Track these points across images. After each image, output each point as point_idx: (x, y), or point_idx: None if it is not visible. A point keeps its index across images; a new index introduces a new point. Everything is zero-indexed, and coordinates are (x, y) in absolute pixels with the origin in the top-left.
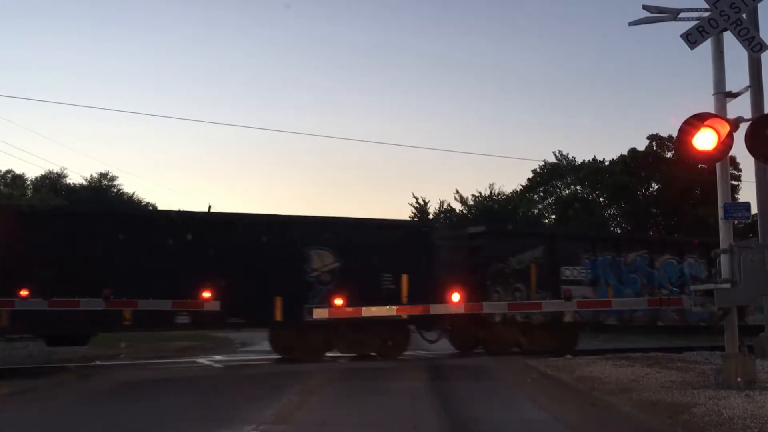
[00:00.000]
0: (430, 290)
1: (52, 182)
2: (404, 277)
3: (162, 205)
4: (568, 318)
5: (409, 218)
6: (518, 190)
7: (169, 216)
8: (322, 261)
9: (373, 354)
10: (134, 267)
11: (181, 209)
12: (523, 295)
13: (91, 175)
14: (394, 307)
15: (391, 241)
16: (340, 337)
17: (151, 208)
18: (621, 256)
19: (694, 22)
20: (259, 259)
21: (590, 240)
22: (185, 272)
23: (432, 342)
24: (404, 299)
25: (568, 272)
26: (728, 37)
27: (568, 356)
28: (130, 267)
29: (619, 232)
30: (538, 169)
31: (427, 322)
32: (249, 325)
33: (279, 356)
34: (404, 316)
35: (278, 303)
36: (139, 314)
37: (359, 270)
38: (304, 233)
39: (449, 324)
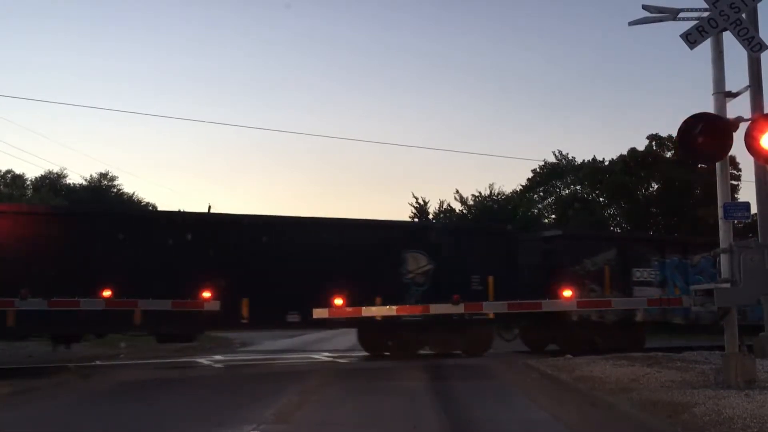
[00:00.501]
0: (512, 291)
1: (51, 182)
2: (490, 279)
3: (162, 206)
4: (638, 317)
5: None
6: (518, 190)
7: (289, 221)
8: (417, 263)
9: (457, 352)
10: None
11: (308, 215)
12: (599, 296)
13: (90, 175)
14: (394, 307)
15: (479, 245)
16: (431, 335)
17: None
18: (687, 258)
19: (694, 22)
20: (362, 262)
21: (659, 243)
22: (309, 275)
23: (509, 341)
24: (491, 299)
25: (638, 274)
26: (728, 37)
27: (568, 356)
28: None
29: (686, 236)
30: (537, 169)
31: (506, 321)
32: (347, 325)
33: (368, 354)
34: (490, 315)
35: (377, 303)
36: (255, 312)
37: (450, 272)
38: (402, 237)
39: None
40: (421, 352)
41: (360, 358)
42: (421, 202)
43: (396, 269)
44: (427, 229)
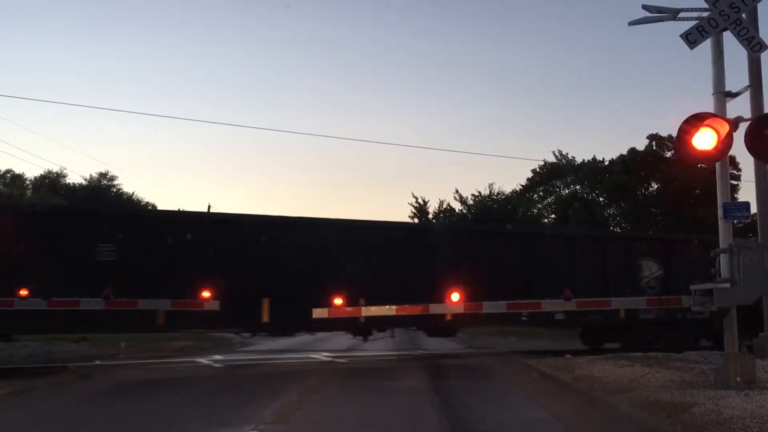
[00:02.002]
0: None
1: (51, 182)
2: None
3: (161, 205)
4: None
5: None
6: (518, 189)
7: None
8: (650, 270)
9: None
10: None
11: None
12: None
13: (90, 175)
14: (394, 307)
15: (690, 253)
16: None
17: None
18: None
19: (694, 22)
20: (601, 268)
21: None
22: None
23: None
24: None
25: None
26: (728, 37)
27: (568, 356)
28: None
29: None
30: (537, 169)
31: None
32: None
33: (586, 347)
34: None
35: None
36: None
37: (676, 277)
38: (638, 247)
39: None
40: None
41: (360, 358)
42: (421, 202)
43: (635, 275)
44: (658, 240)
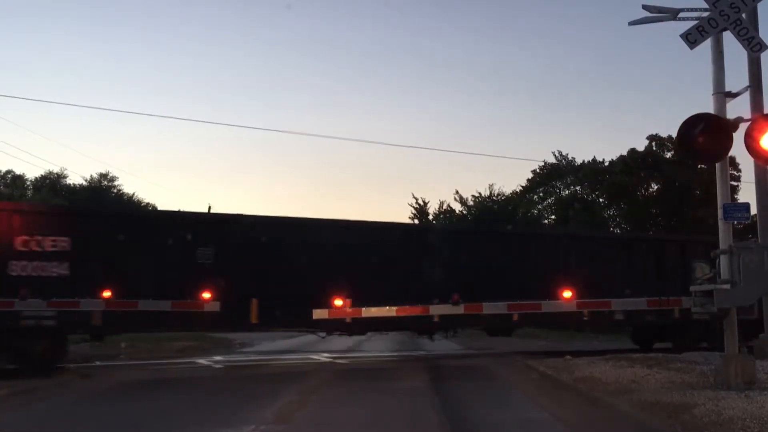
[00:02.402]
0: None
1: (52, 182)
2: None
3: (161, 205)
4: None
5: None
6: (518, 190)
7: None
8: (702, 272)
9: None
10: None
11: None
12: None
13: (91, 176)
14: (394, 308)
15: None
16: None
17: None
18: None
19: (694, 22)
20: (656, 269)
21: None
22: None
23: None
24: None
25: None
26: (728, 37)
27: (568, 357)
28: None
29: None
30: (537, 170)
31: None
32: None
33: (637, 347)
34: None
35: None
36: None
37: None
38: (692, 250)
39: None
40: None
41: (360, 359)
42: (421, 203)
43: (689, 276)
44: (708, 244)
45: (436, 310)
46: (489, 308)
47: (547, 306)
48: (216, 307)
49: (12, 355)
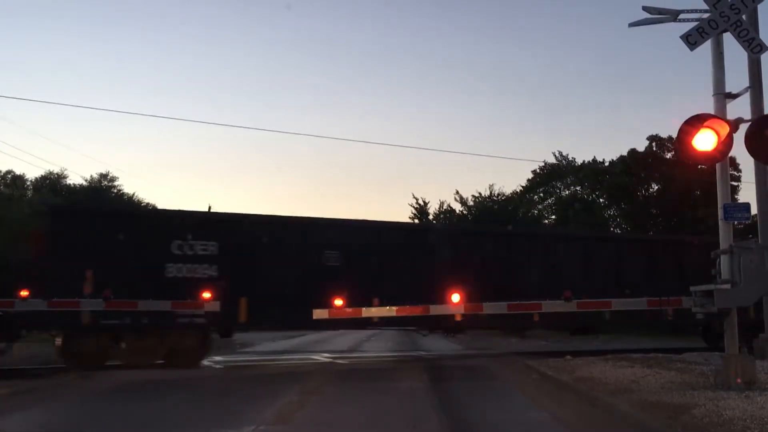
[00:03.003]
0: None
1: (52, 183)
2: None
3: (161, 205)
4: None
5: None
6: (518, 190)
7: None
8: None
9: None
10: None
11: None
12: None
13: (91, 176)
14: (394, 308)
15: None
16: None
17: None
18: None
19: (694, 23)
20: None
21: None
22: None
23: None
24: None
25: None
26: (728, 38)
27: (568, 357)
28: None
29: None
30: (538, 170)
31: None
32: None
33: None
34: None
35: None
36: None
37: None
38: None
39: None
40: None
41: (360, 359)
42: (421, 203)
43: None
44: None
45: (435, 310)
46: (488, 308)
47: (546, 306)
48: (216, 307)
49: (164, 352)
